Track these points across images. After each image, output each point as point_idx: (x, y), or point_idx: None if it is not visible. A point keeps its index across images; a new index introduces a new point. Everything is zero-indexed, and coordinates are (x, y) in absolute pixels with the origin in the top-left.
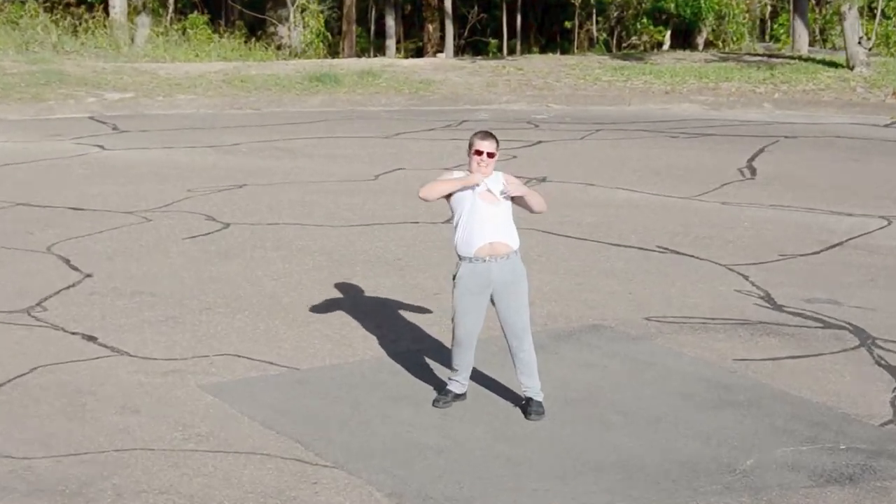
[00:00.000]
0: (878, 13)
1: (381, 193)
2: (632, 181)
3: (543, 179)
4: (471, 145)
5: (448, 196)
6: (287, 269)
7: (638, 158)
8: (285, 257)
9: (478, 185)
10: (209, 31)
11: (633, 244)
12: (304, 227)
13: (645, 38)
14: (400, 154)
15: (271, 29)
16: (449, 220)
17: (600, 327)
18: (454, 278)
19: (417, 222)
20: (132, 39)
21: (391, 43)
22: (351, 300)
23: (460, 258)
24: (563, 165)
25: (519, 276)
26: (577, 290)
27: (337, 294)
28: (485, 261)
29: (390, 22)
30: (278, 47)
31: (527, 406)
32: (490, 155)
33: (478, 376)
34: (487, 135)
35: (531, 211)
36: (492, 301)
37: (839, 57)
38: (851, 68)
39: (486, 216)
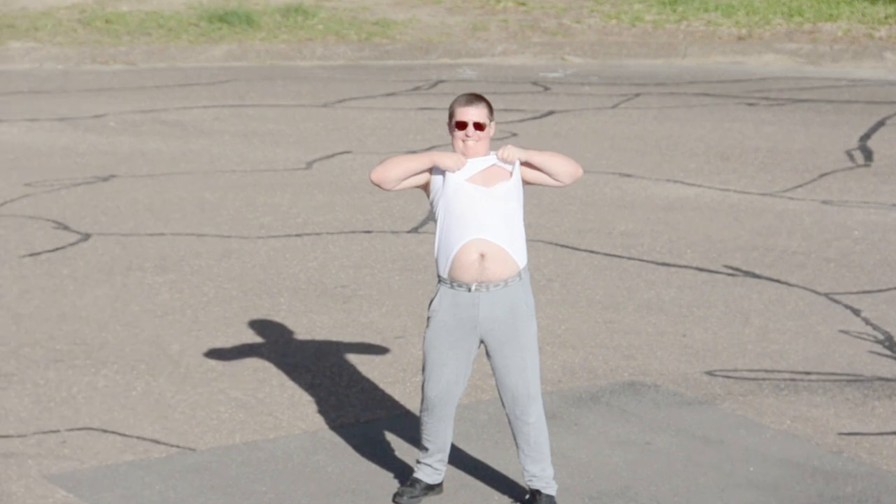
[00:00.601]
0: None
1: (318, 189)
2: (688, 170)
3: None
4: (451, 115)
5: (424, 185)
6: (178, 302)
7: (697, 137)
8: (175, 284)
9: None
10: None
11: (690, 263)
12: (203, 240)
13: None
14: (344, 131)
15: None
16: (417, 230)
17: (640, 386)
18: (429, 309)
19: (370, 231)
20: None
21: None
22: (273, 347)
23: (439, 280)
24: (585, 147)
25: (522, 316)
26: (605, 331)
27: (252, 338)
28: (470, 289)
29: None
30: None
31: (533, 503)
32: (479, 126)
33: (459, 458)
34: (474, 98)
35: (556, 182)
36: (485, 352)
37: None
38: None
39: (477, 216)
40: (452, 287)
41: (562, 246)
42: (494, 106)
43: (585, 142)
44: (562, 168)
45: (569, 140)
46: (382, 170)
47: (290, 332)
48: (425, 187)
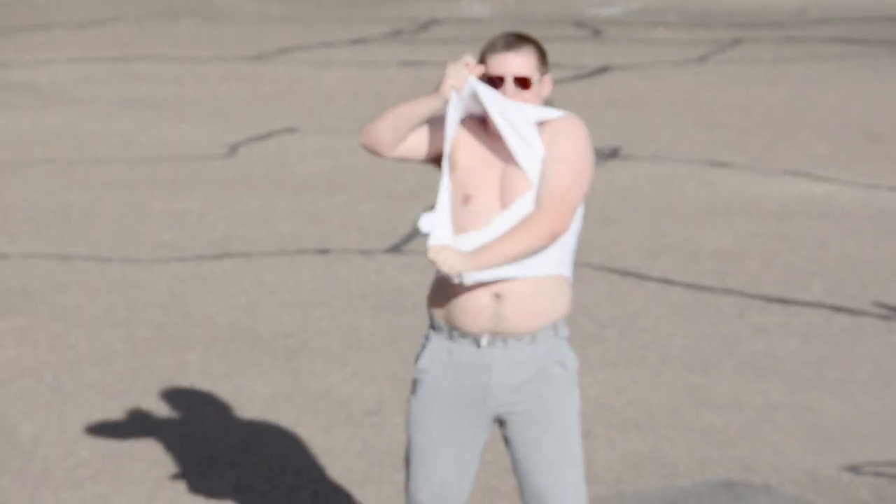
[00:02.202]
0: None
1: (246, 188)
2: (816, 157)
3: (614, 152)
4: (484, 61)
5: (435, 158)
6: (30, 360)
7: (831, 106)
8: (26, 333)
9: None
10: None
11: (819, 299)
12: (70, 265)
13: None
14: (287, 98)
15: None
16: (399, 248)
17: (743, 488)
18: (416, 368)
19: (328, 251)
20: None
21: None
22: (178, 430)
23: (430, 324)
24: (656, 123)
25: (559, 385)
26: (689, 403)
27: (147, 415)
28: (479, 343)
29: None
30: None
31: None
32: (522, 82)
33: None
34: (516, 40)
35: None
36: (502, 437)
37: None
38: None
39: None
40: (451, 338)
41: (622, 273)
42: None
43: (657, 114)
44: (531, 251)
45: (631, 111)
46: (373, 123)
47: (204, 407)
48: (436, 161)
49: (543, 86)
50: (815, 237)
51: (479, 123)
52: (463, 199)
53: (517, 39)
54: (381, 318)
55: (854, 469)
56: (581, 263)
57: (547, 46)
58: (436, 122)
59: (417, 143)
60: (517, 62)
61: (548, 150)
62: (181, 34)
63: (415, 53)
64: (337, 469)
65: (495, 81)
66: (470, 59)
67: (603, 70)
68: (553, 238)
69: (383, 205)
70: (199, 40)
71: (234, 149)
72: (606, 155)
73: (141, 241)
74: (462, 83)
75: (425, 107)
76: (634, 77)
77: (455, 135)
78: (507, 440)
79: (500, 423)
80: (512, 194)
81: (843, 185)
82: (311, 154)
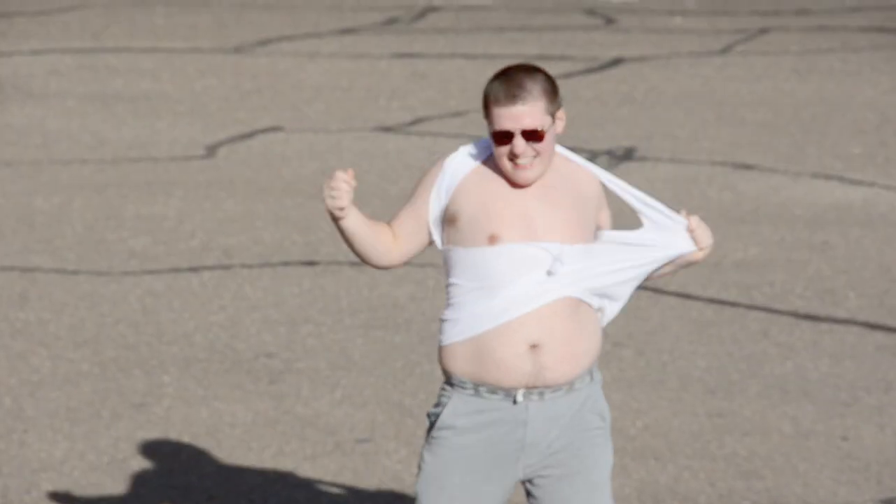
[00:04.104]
0: None
1: (226, 192)
2: (850, 158)
3: (628, 153)
4: (486, 110)
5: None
6: None
7: (866, 102)
8: None
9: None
10: None
11: (854, 315)
12: (32, 278)
13: None
14: (270, 94)
15: None
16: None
17: None
18: (430, 425)
19: (315, 263)
20: None
21: None
22: (152, 458)
23: (447, 380)
24: (675, 120)
25: (595, 437)
26: (711, 429)
27: (117, 443)
28: (515, 399)
29: None
30: None
31: None
32: (534, 136)
33: None
34: (519, 80)
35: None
36: (527, 492)
37: None
38: None
39: (530, 281)
40: (478, 394)
41: (637, 287)
42: (525, 50)
43: (675, 111)
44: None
45: (646, 107)
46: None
47: (179, 434)
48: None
49: (557, 124)
50: (849, 247)
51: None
52: (489, 240)
53: (520, 87)
54: (374, 336)
55: (891, 503)
56: None
57: (555, 36)
58: (418, 217)
59: (418, 242)
60: (524, 114)
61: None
62: (155, 23)
63: (410, 44)
64: (324, 502)
65: (501, 137)
66: (341, 175)
67: (616, 62)
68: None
69: (376, 210)
70: (175, 30)
71: (213, 149)
72: (620, 156)
73: (111, 251)
74: (343, 199)
75: (341, 232)
76: (650, 70)
77: (452, 191)
78: (531, 495)
79: (527, 480)
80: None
81: (880, 189)
82: (296, 155)
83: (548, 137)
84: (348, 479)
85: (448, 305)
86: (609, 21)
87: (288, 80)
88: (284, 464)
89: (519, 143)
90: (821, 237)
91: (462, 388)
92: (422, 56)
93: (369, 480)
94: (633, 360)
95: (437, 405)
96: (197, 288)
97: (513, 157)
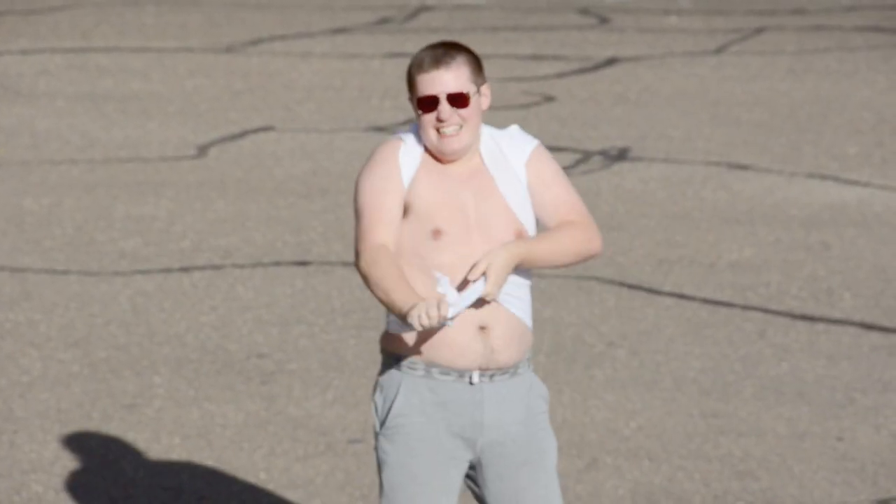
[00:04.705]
0: None
1: (217, 192)
2: (846, 158)
3: (622, 153)
4: (410, 83)
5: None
6: None
7: (862, 102)
8: None
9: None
10: None
11: (849, 316)
12: (22, 278)
13: None
14: (261, 94)
15: None
16: None
17: None
18: (380, 413)
19: (307, 263)
20: None
21: None
22: (140, 462)
23: (389, 364)
24: (669, 120)
25: (542, 421)
26: (706, 430)
27: (108, 443)
28: (472, 380)
29: None
30: None
31: None
32: (458, 100)
33: None
34: (444, 52)
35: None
36: (476, 480)
37: None
38: None
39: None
40: (430, 375)
41: (631, 287)
42: (519, 50)
43: (669, 111)
44: (570, 259)
45: (640, 107)
46: (365, 276)
47: (170, 435)
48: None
49: (483, 98)
50: (844, 247)
51: (435, 164)
52: (433, 234)
53: (445, 52)
54: (366, 336)
55: (887, 503)
56: (587, 276)
57: (549, 35)
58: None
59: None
60: (448, 78)
61: (538, 181)
62: (145, 23)
63: (403, 44)
64: (316, 503)
65: (426, 102)
66: (443, 300)
67: (610, 62)
68: (597, 253)
69: None
70: (165, 30)
71: (204, 149)
72: (614, 156)
73: (101, 252)
74: (432, 323)
75: (390, 306)
76: (645, 70)
77: (409, 181)
78: (483, 482)
79: (477, 467)
80: (491, 228)
81: (875, 189)
82: (287, 155)
83: (473, 105)
84: (340, 479)
85: None
86: (603, 20)
87: (279, 80)
88: (276, 464)
89: (444, 107)
90: (816, 237)
91: (412, 370)
92: (408, 55)
93: (361, 481)
94: (627, 360)
95: (379, 393)
96: (188, 288)
97: (438, 124)
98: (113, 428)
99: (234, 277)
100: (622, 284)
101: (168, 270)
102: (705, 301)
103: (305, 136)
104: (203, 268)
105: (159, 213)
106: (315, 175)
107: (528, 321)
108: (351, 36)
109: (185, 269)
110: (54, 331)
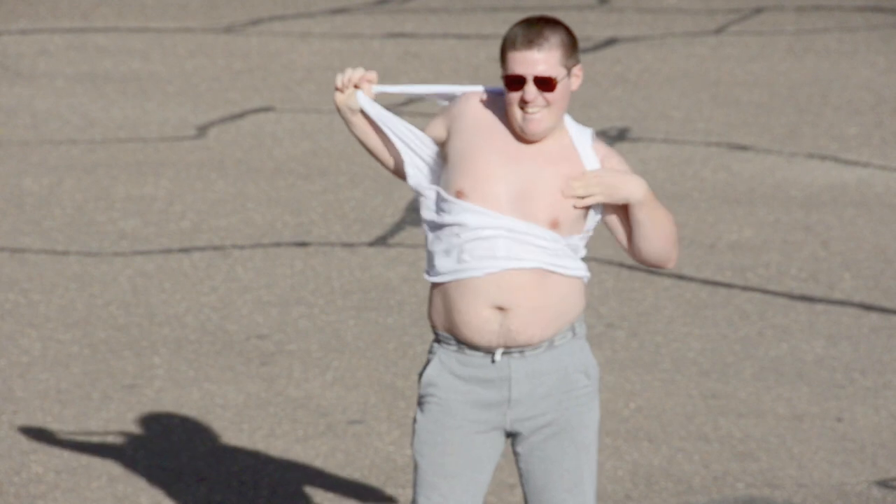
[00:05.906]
0: None
1: (217, 173)
2: (846, 139)
3: (622, 134)
4: (503, 58)
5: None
6: None
7: (862, 82)
8: None
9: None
10: None
11: (849, 297)
12: (22, 259)
13: None
14: (261, 74)
15: None
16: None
17: None
18: (420, 382)
19: (307, 244)
20: None
21: None
22: (142, 442)
23: (435, 334)
24: (669, 101)
25: (581, 395)
26: (705, 411)
27: (107, 424)
28: (494, 358)
29: None
30: None
31: None
32: (545, 83)
33: None
34: (538, 28)
35: (635, 255)
36: (514, 451)
37: None
38: None
39: (501, 227)
40: (460, 350)
41: (631, 268)
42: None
43: (669, 91)
44: (661, 243)
45: (640, 88)
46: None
47: (170, 416)
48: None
49: (573, 80)
50: (844, 228)
51: (492, 110)
52: (457, 193)
53: (539, 33)
54: (366, 317)
55: (885, 484)
56: (587, 257)
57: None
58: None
59: (385, 157)
60: (538, 59)
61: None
62: (145, 3)
63: (402, 24)
64: (317, 484)
65: (513, 81)
66: (355, 71)
67: (609, 42)
68: (671, 262)
69: (368, 191)
70: (165, 10)
71: (203, 130)
72: (614, 137)
73: (101, 232)
74: (345, 78)
75: (347, 125)
76: (644, 50)
77: (450, 120)
78: (518, 455)
79: (514, 435)
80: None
81: (875, 170)
82: (287, 135)
83: (560, 89)
84: (340, 460)
85: (427, 244)
86: (602, 0)
87: (279, 60)
88: (276, 445)
89: (530, 89)
90: (816, 218)
91: (447, 343)
92: (414, 36)
93: (361, 462)
94: (626, 341)
95: (425, 365)
96: (188, 269)
97: (523, 104)
98: (113, 408)
99: (234, 258)
100: (621, 265)
101: (168, 251)
102: (704, 282)
103: (305, 117)
104: (203, 248)
105: (159, 193)
106: (315, 155)
107: (561, 297)
108: (351, 16)
109: (185, 250)
110: (54, 311)
